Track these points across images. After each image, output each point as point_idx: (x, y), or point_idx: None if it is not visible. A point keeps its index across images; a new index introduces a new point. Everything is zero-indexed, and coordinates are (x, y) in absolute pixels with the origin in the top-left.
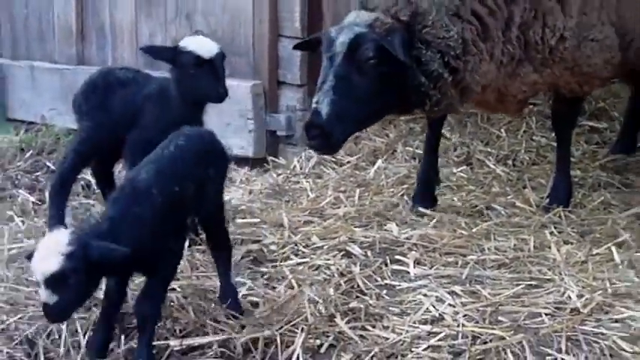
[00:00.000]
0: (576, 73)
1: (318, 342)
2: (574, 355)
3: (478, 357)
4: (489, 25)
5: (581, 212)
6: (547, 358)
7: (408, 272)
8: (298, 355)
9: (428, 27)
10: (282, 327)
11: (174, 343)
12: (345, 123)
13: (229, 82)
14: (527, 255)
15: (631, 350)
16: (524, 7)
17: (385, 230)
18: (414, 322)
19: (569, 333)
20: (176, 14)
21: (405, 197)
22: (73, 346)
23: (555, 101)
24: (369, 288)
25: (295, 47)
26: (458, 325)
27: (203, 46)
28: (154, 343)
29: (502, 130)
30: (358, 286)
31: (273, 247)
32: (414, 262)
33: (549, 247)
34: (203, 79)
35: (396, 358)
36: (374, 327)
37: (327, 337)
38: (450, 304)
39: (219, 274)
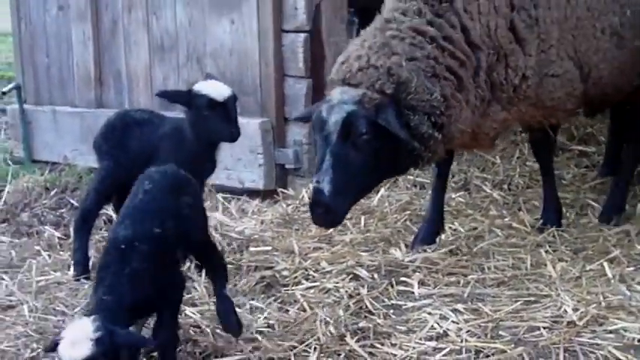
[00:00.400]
0: (540, 108)
1: None
2: None
3: None
4: (462, 77)
5: (574, 231)
6: None
7: (413, 292)
8: None
9: (412, 94)
10: (295, 347)
11: None
12: (347, 197)
13: (240, 120)
14: (524, 273)
15: (625, 359)
16: (488, 53)
17: (390, 254)
18: (420, 339)
19: (566, 344)
20: (187, 58)
21: (408, 223)
22: None
23: (531, 132)
24: (376, 308)
25: (296, 119)
26: (461, 341)
27: (216, 90)
28: None
29: (497, 157)
30: (366, 306)
31: (285, 273)
32: (418, 282)
33: (545, 265)
34: (216, 121)
35: None
36: (382, 345)
37: (339, 355)
38: (453, 321)
39: (216, 291)
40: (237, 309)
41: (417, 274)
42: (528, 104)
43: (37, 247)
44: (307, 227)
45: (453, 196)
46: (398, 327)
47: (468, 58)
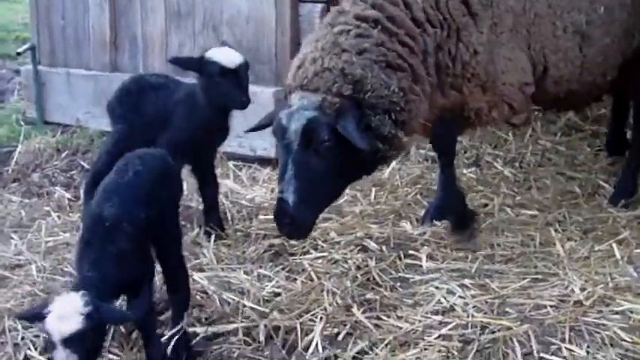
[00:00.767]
0: (489, 91)
1: (335, 330)
2: (577, 345)
3: (487, 346)
4: (414, 65)
5: (584, 212)
6: (551, 347)
7: (421, 266)
8: (317, 342)
9: (369, 91)
10: (302, 316)
11: (200, 329)
12: (313, 206)
13: (254, 89)
14: (533, 251)
15: (630, 340)
16: (435, 31)
17: (400, 227)
18: (427, 313)
19: (572, 324)
20: (204, 26)
21: (419, 196)
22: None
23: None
24: (384, 280)
25: (255, 128)
26: (468, 316)
27: (227, 57)
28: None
29: (509, 133)
30: (374, 278)
31: (293, 242)
32: (427, 256)
33: (554, 244)
34: (227, 88)
35: (409, 346)
36: (388, 317)
37: (345, 325)
38: (460, 296)
39: (172, 317)
40: (244, 276)
41: (426, 247)
42: (475, 85)
43: (47, 208)
44: None
45: (464, 171)
46: (404, 300)
47: (414, 41)
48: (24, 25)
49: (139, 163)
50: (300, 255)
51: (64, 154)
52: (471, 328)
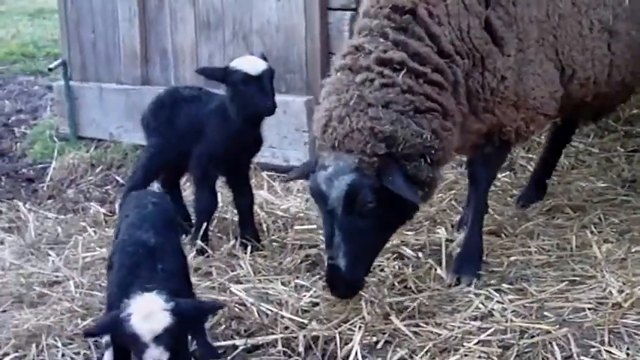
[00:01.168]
0: (521, 108)
1: (374, 339)
2: (617, 347)
3: (526, 350)
4: (444, 103)
5: (620, 213)
6: (591, 350)
7: None
8: (357, 351)
9: (401, 144)
10: (340, 325)
11: (239, 342)
12: (364, 264)
13: (285, 98)
14: (569, 254)
15: None
16: (463, 62)
17: (435, 233)
18: (465, 319)
19: (611, 326)
20: (233, 36)
21: (453, 202)
22: None
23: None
24: (420, 288)
25: (291, 179)
26: (506, 321)
27: (251, 64)
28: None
29: (542, 137)
30: (410, 286)
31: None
32: None
33: (590, 246)
34: (252, 95)
35: (449, 352)
36: (427, 324)
37: (383, 334)
38: (498, 301)
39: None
40: (282, 286)
41: None
42: (507, 105)
43: (83, 224)
44: None
45: (499, 176)
46: (442, 306)
47: (443, 76)
48: (54, 41)
49: (154, 199)
50: None
51: (98, 169)
52: (510, 333)
